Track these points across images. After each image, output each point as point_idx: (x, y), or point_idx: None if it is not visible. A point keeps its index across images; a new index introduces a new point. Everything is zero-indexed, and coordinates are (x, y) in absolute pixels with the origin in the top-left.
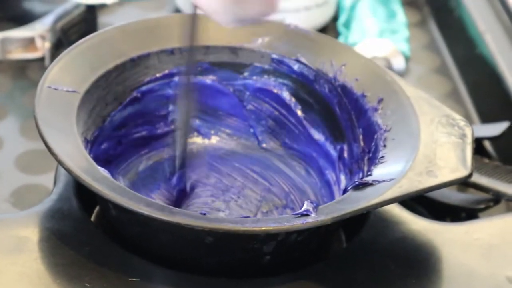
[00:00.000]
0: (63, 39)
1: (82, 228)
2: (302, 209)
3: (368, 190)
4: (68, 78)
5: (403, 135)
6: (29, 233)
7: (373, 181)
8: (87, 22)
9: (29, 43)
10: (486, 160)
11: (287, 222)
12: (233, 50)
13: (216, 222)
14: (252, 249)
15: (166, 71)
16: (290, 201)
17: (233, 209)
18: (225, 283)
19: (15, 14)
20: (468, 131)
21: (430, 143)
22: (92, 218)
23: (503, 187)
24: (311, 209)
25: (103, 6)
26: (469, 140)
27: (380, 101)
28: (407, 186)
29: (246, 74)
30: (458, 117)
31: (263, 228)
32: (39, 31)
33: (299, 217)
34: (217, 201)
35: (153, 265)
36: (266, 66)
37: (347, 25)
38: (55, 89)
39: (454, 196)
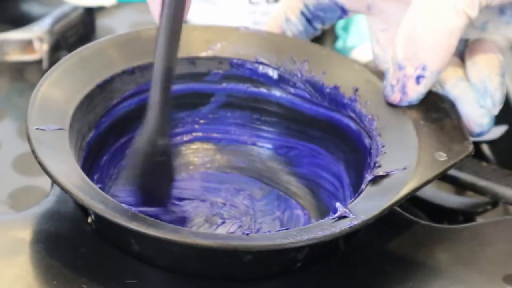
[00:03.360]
0: (61, 41)
1: (79, 230)
2: (338, 212)
3: (387, 182)
4: (49, 114)
5: (392, 122)
6: (26, 235)
7: (387, 172)
8: (85, 25)
9: (27, 45)
10: (484, 163)
11: (334, 228)
12: (191, 60)
13: (274, 239)
14: (287, 259)
15: (127, 93)
16: (276, 205)
17: (230, 223)
18: (223, 285)
19: (13, 16)
20: (450, 109)
21: (421, 127)
22: (89, 220)
23: (501, 190)
24: (347, 210)
25: (101, 9)
26: (455, 115)
27: (356, 90)
28: (425, 172)
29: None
30: (441, 96)
31: (319, 237)
32: (37, 33)
33: (337, 220)
34: (211, 217)
35: (151, 267)
36: (224, 72)
37: (345, 28)
38: (43, 129)
39: (451, 199)
